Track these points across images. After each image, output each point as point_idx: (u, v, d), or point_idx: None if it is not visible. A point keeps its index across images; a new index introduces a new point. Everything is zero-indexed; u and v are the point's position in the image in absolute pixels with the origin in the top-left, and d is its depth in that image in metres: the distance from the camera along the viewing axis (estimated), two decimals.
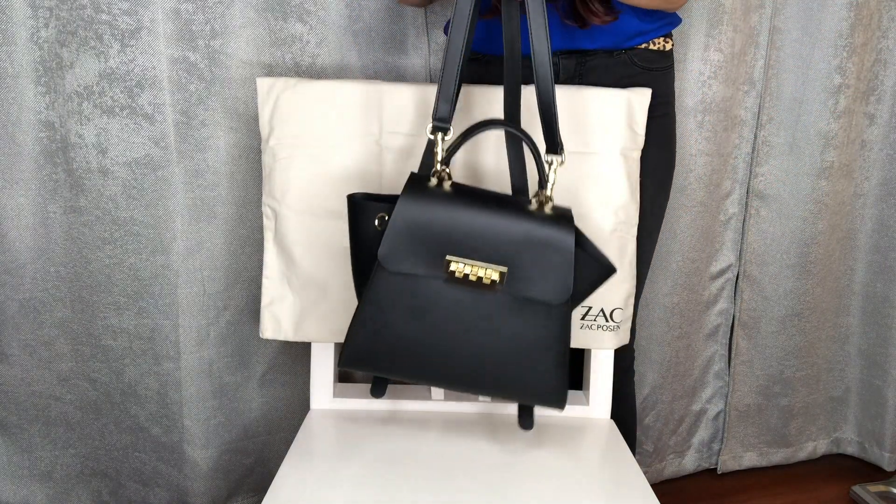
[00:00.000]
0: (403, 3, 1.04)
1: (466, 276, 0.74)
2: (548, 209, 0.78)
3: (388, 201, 0.78)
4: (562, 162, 0.81)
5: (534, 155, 0.80)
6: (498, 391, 0.79)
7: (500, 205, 0.77)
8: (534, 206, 0.78)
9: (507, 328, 0.76)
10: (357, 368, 0.78)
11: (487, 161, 0.92)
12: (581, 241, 0.80)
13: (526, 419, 0.85)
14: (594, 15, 0.88)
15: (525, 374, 0.77)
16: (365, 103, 0.90)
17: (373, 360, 0.77)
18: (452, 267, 0.75)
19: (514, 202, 0.78)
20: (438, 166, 0.79)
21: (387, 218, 0.76)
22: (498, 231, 0.75)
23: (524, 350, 0.76)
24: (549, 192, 0.80)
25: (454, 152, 0.79)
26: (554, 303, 0.76)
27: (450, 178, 0.79)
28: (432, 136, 0.80)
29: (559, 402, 0.79)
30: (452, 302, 0.75)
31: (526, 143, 0.80)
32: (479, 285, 0.75)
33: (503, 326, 0.76)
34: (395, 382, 0.94)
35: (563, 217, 0.77)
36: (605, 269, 0.79)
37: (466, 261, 0.75)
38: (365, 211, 0.78)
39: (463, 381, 0.78)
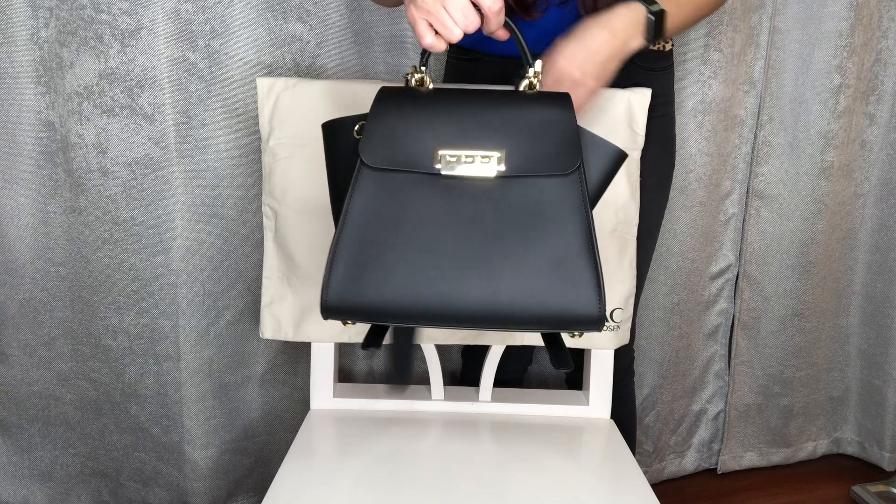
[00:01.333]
0: (377, 3, 1.02)
1: (462, 162, 0.64)
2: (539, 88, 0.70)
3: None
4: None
5: (517, 39, 0.70)
6: (523, 322, 0.64)
7: (487, 93, 0.69)
8: (523, 87, 0.71)
9: (519, 235, 0.63)
10: (340, 314, 0.65)
11: None
12: (581, 129, 0.70)
13: (561, 357, 0.70)
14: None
15: (547, 291, 0.63)
16: (365, 103, 0.90)
17: (357, 294, 0.63)
18: (444, 156, 0.64)
19: (502, 91, 0.70)
20: (418, 66, 0.71)
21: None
22: (489, 115, 0.66)
23: (541, 260, 0.63)
24: (537, 69, 0.71)
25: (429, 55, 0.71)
26: (566, 171, 0.64)
27: (432, 82, 0.72)
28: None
29: (596, 322, 0.64)
30: (448, 203, 0.63)
31: (514, 29, 0.71)
32: (477, 180, 0.64)
33: (513, 233, 0.63)
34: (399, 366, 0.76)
35: (559, 96, 0.69)
36: (613, 152, 0.68)
37: (459, 151, 0.64)
38: (343, 126, 0.70)
39: (472, 313, 0.64)
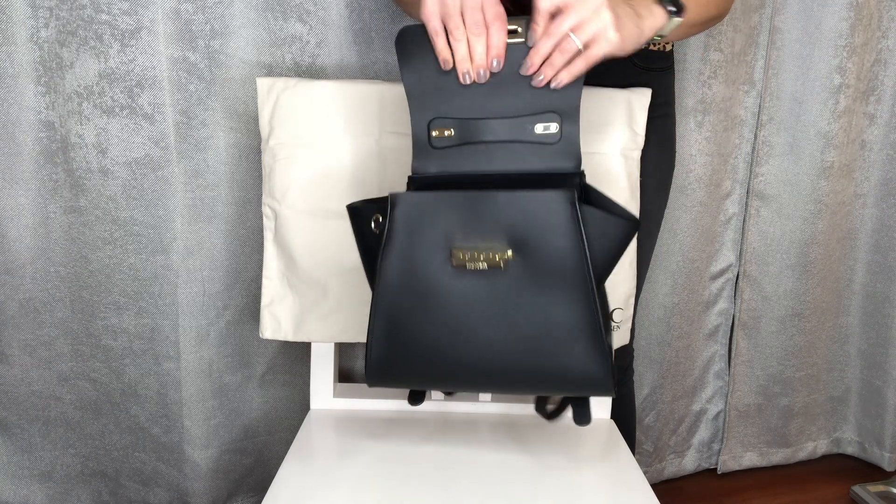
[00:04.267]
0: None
1: (472, 261, 0.70)
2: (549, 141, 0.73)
3: (384, 202, 0.75)
4: None
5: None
6: (535, 387, 0.73)
7: (494, 182, 0.73)
8: (541, 130, 0.73)
9: (527, 312, 0.70)
10: (383, 384, 0.76)
11: None
12: (593, 197, 0.74)
13: (581, 414, 0.79)
14: None
15: (559, 361, 0.71)
16: (365, 103, 0.90)
17: (395, 370, 0.75)
18: (457, 255, 0.70)
19: (506, 176, 0.74)
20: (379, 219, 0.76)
21: (381, 218, 0.73)
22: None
23: (552, 334, 0.70)
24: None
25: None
26: (570, 270, 0.68)
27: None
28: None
29: (605, 388, 0.71)
30: (466, 292, 0.70)
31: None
32: (488, 271, 0.70)
33: (521, 311, 0.70)
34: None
35: (560, 174, 0.73)
36: (628, 223, 0.70)
37: (470, 249, 0.70)
38: (362, 215, 0.76)
39: (495, 381, 0.73)
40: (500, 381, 0.73)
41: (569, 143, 0.73)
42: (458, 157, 0.75)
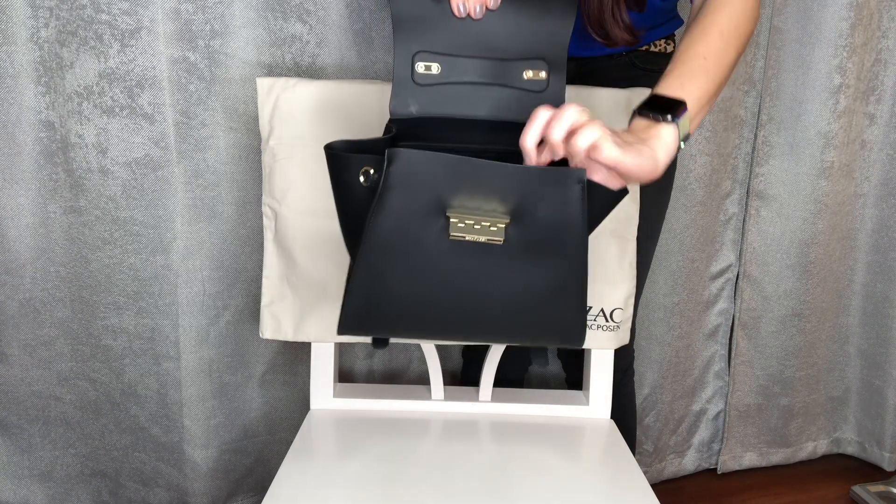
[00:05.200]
0: None
1: (469, 231, 0.67)
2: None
3: (370, 150, 0.69)
4: None
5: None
6: (511, 338, 0.74)
7: (497, 133, 0.72)
8: (529, 76, 0.72)
9: (517, 276, 0.69)
10: (355, 334, 0.74)
11: None
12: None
13: (540, 358, 0.80)
14: (618, 29, 0.82)
15: (542, 317, 0.71)
16: (365, 103, 0.90)
17: (372, 323, 0.72)
18: (453, 222, 0.67)
19: (489, 123, 0.72)
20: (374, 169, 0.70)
21: (372, 172, 0.67)
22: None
23: (539, 293, 0.69)
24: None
25: None
26: (568, 243, 0.68)
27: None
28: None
29: (579, 339, 0.73)
30: (456, 256, 0.68)
31: None
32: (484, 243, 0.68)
33: (512, 275, 0.69)
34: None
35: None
36: (616, 192, 0.69)
37: (468, 217, 0.67)
38: (347, 167, 0.68)
39: (472, 332, 0.73)
40: (477, 331, 0.72)
41: (554, 94, 0.72)
42: (440, 98, 0.72)
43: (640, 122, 0.67)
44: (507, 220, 0.67)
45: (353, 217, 0.70)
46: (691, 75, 0.69)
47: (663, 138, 0.65)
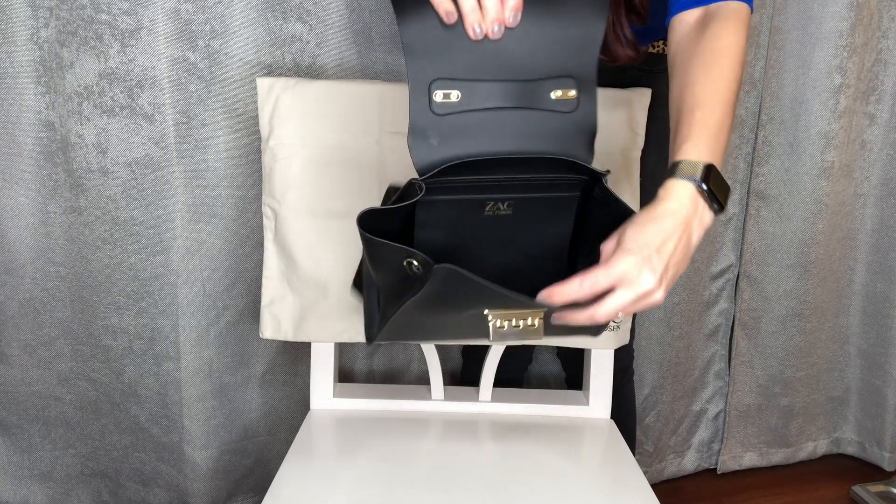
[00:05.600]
0: None
1: (508, 328, 0.67)
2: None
3: (397, 218, 0.67)
4: None
5: None
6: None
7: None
8: (558, 95, 0.67)
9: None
10: (384, 341, 0.77)
11: None
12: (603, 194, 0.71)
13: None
14: (621, 47, 0.82)
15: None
16: (365, 103, 0.90)
17: (402, 335, 0.77)
18: (492, 323, 0.66)
19: (517, 159, 0.68)
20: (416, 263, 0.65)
21: (415, 264, 0.62)
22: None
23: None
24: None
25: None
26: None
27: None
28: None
29: (597, 331, 0.75)
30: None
31: None
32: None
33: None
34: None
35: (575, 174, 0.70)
36: (628, 210, 0.68)
37: (506, 317, 0.66)
38: (390, 253, 0.64)
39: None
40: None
41: (585, 114, 0.67)
42: (462, 127, 0.65)
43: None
44: (543, 313, 0.66)
45: (383, 287, 0.72)
46: (717, 141, 0.68)
47: (704, 223, 0.69)
